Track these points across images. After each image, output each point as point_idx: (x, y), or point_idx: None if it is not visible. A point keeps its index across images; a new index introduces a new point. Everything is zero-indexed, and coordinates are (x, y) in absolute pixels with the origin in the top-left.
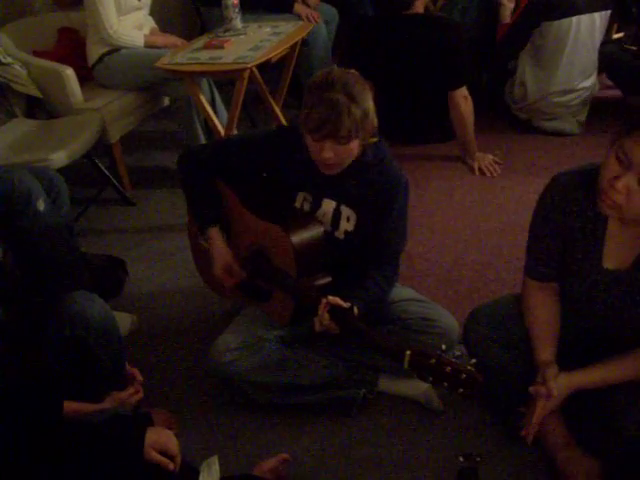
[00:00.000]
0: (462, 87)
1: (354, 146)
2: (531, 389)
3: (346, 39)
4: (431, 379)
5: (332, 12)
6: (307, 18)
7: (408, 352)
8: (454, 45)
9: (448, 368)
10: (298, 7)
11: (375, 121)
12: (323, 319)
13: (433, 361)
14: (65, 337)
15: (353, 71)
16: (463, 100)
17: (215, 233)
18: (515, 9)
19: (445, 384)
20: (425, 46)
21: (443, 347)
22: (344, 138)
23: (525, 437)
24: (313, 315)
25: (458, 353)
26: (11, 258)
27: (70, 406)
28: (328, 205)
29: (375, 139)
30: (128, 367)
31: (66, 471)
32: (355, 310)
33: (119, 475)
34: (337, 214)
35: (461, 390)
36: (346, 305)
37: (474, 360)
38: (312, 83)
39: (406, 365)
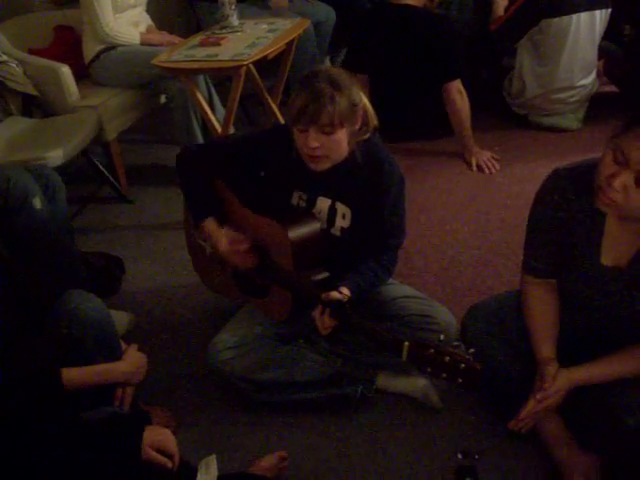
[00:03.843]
0: (456, 80)
1: (340, 138)
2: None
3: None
4: (430, 370)
5: (326, 11)
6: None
7: (406, 343)
8: (445, 37)
9: (447, 358)
10: None
11: (373, 119)
12: (325, 323)
13: (432, 351)
14: (61, 336)
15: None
16: (458, 95)
17: (212, 223)
18: (510, 4)
19: (444, 375)
20: (416, 38)
21: (441, 337)
22: (327, 126)
23: (512, 428)
24: (311, 310)
25: (456, 343)
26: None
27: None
28: (323, 203)
29: (366, 135)
30: (124, 346)
31: (64, 469)
32: (346, 290)
33: (117, 474)
34: (332, 211)
35: (460, 380)
36: (341, 297)
37: (472, 350)
38: (299, 78)
39: (405, 357)
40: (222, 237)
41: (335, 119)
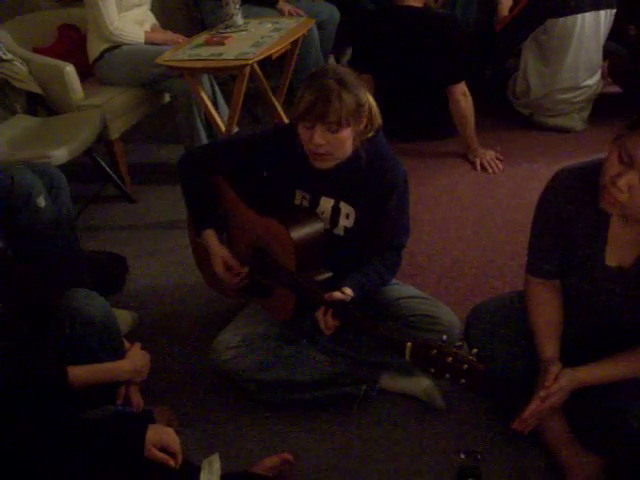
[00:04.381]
0: (461, 83)
1: (346, 136)
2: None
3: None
4: (433, 371)
5: (330, 11)
6: (290, 14)
7: (409, 344)
8: (451, 40)
9: (450, 359)
10: (282, 3)
11: (378, 118)
12: (328, 323)
13: (434, 352)
14: (65, 336)
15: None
16: (462, 96)
17: (210, 235)
18: (514, 4)
19: (447, 375)
20: (421, 40)
21: (444, 337)
22: (333, 124)
23: (516, 429)
24: (315, 310)
25: (459, 344)
26: (12, 255)
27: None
28: (326, 203)
29: (371, 134)
30: (128, 345)
31: (68, 468)
32: (349, 291)
33: (120, 472)
34: (336, 211)
35: (463, 381)
36: (345, 297)
37: (475, 350)
38: (307, 76)
39: (408, 357)
40: (219, 262)
41: (342, 117)
